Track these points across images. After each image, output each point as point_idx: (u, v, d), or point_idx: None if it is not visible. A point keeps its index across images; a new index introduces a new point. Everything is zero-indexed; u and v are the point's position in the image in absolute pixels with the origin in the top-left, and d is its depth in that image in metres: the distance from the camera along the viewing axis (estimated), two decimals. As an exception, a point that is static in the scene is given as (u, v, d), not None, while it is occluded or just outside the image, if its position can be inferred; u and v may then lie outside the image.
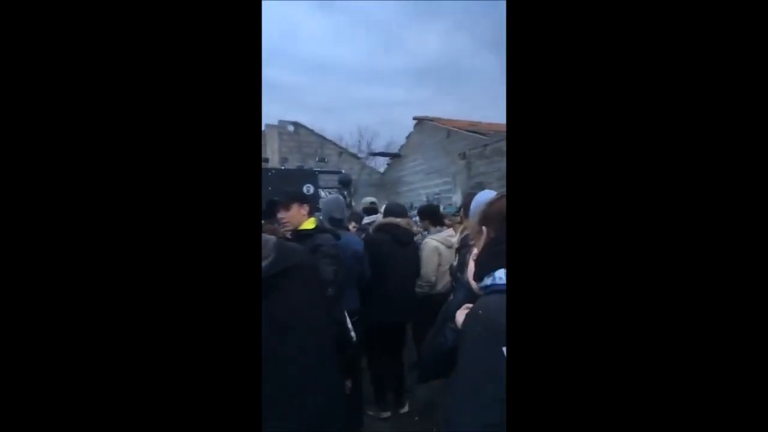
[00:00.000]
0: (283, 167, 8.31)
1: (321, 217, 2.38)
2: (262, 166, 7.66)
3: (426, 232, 2.97)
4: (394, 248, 2.46)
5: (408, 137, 11.09)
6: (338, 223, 2.31)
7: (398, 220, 2.57)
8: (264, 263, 0.90)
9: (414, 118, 10.67)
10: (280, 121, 12.54)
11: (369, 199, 3.65)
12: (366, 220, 3.16)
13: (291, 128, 12.61)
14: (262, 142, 11.81)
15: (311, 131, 12.85)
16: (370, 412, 2.56)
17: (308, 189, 6.51)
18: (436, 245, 2.79)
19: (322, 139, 12.78)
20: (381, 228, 2.57)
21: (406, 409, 2.63)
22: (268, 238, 0.96)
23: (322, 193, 7.38)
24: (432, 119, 10.05)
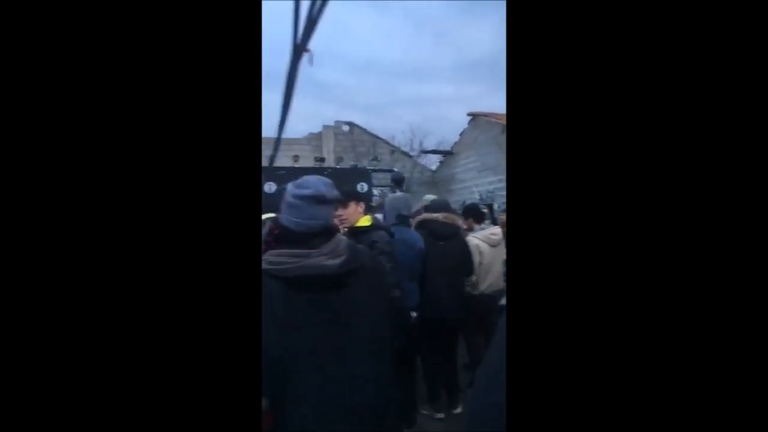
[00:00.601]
0: (338, 166, 8.58)
1: (387, 214, 2.41)
2: (319, 166, 7.98)
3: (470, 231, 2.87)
4: (433, 245, 2.40)
5: (461, 134, 10.85)
6: (405, 220, 2.33)
7: (436, 216, 2.50)
8: (336, 261, 0.95)
9: (468, 114, 10.40)
10: (336, 122, 12.92)
11: (430, 196, 3.59)
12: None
13: (346, 128, 12.93)
14: (319, 143, 12.25)
15: (364, 130, 13.07)
16: (424, 411, 2.55)
17: (362, 187, 6.65)
18: (477, 243, 2.69)
19: (375, 138, 12.94)
20: (419, 225, 2.53)
21: (459, 410, 2.59)
22: (341, 239, 1.01)
23: (375, 192, 7.49)
24: (486, 114, 9.73)
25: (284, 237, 1.00)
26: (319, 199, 0.97)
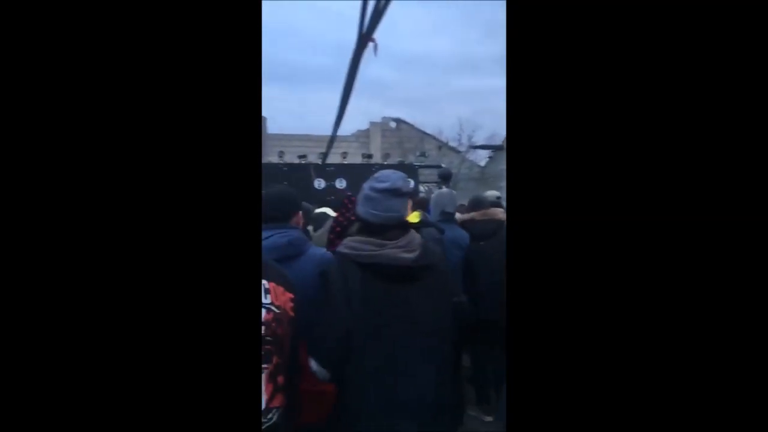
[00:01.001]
0: (385, 163, 8.65)
1: (431, 210, 2.38)
2: (366, 162, 8.09)
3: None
4: (473, 246, 2.29)
5: (513, 127, 10.40)
6: (450, 217, 2.29)
7: (471, 215, 2.38)
8: (411, 255, 1.00)
9: (520, 107, 9.93)
10: (383, 118, 13.02)
11: (494, 193, 3.43)
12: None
13: (393, 124, 12.99)
14: (367, 139, 12.42)
15: (412, 126, 13.04)
16: (472, 413, 2.49)
17: (409, 184, 6.60)
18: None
19: (422, 134, 12.85)
20: (460, 226, 2.43)
21: (509, 414, 2.49)
22: (415, 234, 1.07)
23: (422, 188, 7.44)
24: (541, 106, 9.22)
25: (362, 229, 1.06)
26: (395, 192, 1.02)
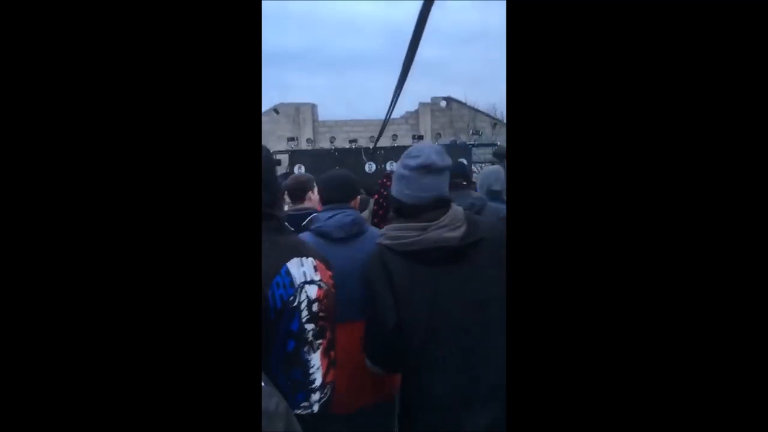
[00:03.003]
0: (436, 144, 8.45)
1: (478, 189, 2.29)
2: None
3: None
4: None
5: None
6: (497, 195, 2.18)
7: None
8: (457, 233, 0.92)
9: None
10: (433, 98, 12.67)
11: None
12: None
13: (443, 104, 12.61)
14: (416, 121, 12.22)
15: (463, 104, 12.57)
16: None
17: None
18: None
19: (475, 112, 12.35)
20: None
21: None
22: (458, 209, 0.97)
23: (475, 168, 7.19)
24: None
25: (398, 211, 0.98)
26: (429, 169, 0.92)
